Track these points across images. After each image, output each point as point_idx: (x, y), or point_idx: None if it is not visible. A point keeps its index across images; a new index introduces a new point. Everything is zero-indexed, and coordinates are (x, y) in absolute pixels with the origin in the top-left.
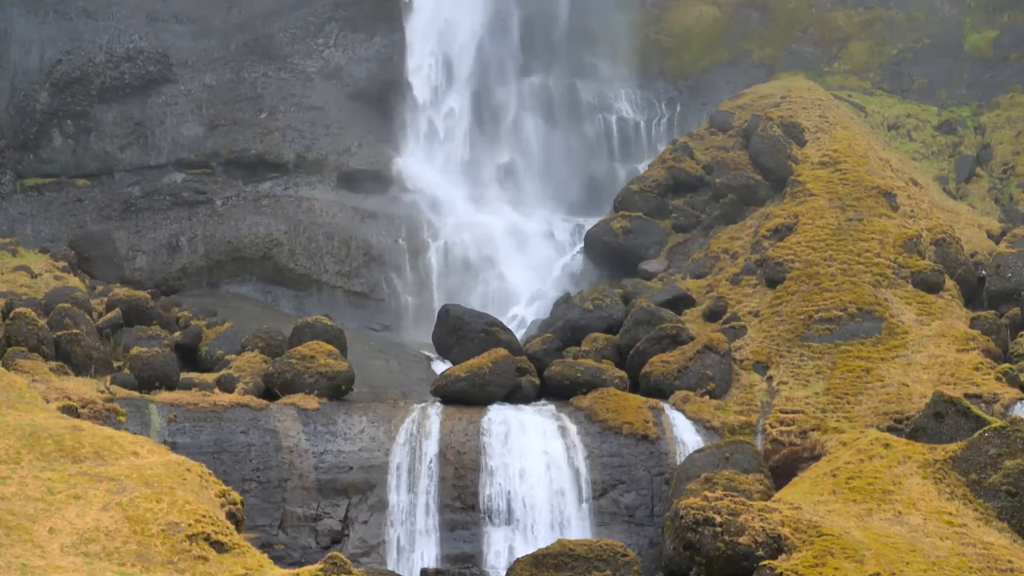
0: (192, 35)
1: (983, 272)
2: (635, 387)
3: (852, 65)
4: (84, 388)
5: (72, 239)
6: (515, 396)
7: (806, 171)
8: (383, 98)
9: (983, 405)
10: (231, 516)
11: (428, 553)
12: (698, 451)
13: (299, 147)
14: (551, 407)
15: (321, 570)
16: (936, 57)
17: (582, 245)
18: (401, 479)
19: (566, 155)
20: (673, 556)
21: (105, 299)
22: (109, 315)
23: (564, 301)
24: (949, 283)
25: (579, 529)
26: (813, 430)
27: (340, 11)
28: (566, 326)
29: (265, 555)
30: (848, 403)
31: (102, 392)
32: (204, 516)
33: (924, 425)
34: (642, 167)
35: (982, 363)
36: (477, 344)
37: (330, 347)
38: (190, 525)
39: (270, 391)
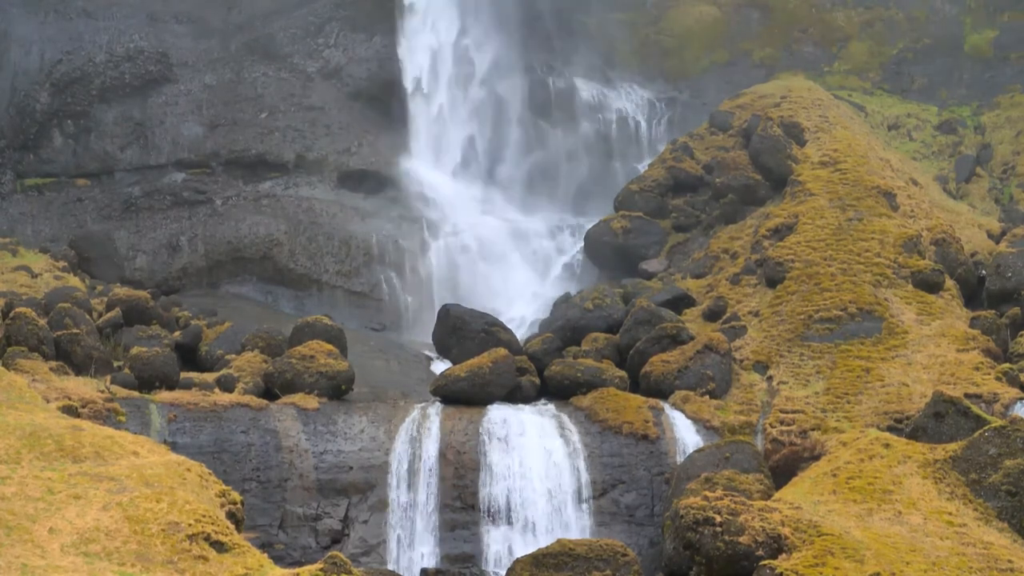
0: (192, 35)
1: (983, 272)
2: (635, 387)
3: (852, 65)
4: (84, 388)
5: (72, 239)
6: (515, 396)
7: (806, 171)
8: (383, 98)
9: (983, 405)
10: (231, 516)
11: (428, 553)
12: (698, 451)
13: (299, 147)
14: (551, 407)
15: (321, 570)
16: (936, 57)
17: (582, 245)
18: (401, 479)
19: (566, 155)
20: (673, 556)
21: (105, 299)
22: (109, 315)
23: (564, 301)
24: (949, 283)
25: (579, 529)
26: (813, 430)
27: (340, 11)
28: (566, 326)
29: (265, 555)
30: (848, 403)
31: (102, 392)
32: (204, 516)
33: (924, 425)
34: (642, 167)
35: (982, 363)
36: (477, 344)
37: (330, 347)
38: (190, 525)
39: (270, 391)
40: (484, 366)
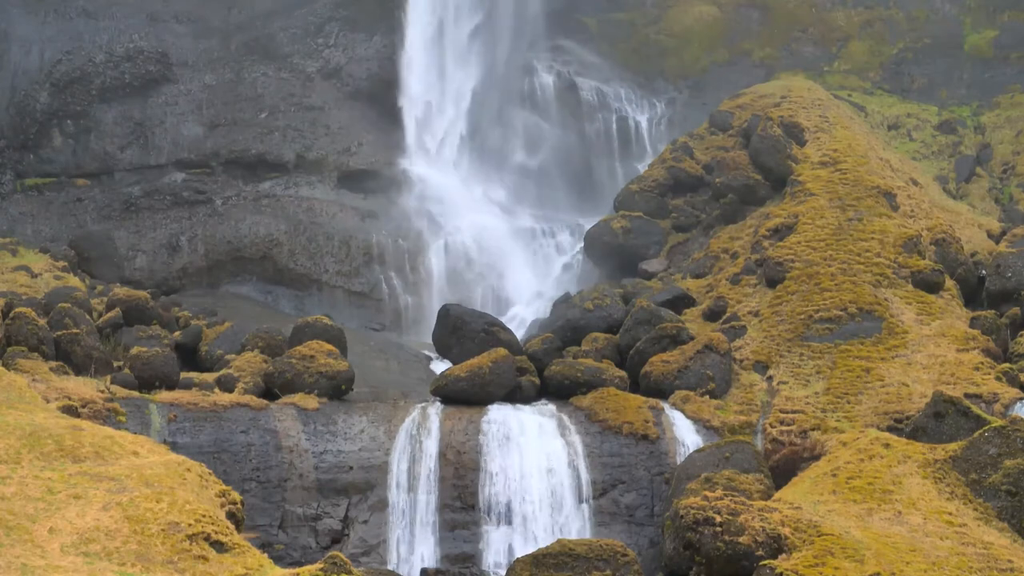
0: (192, 35)
1: (983, 272)
2: (635, 387)
3: (852, 65)
4: (84, 388)
5: (72, 239)
6: (515, 396)
7: (806, 171)
8: (383, 98)
9: (983, 405)
10: (231, 516)
11: (428, 553)
12: (698, 451)
13: (299, 147)
14: (551, 407)
15: (321, 570)
16: (936, 57)
17: (582, 245)
18: (401, 479)
19: (566, 155)
20: (673, 556)
21: (105, 299)
22: (109, 315)
23: (564, 301)
24: (949, 283)
25: (579, 529)
26: (813, 430)
27: (340, 11)
28: (566, 326)
29: (265, 555)
30: (848, 403)
31: (102, 392)
32: (204, 516)
33: (924, 425)
34: (642, 167)
35: (982, 363)
36: (477, 344)
37: (330, 347)
38: (190, 525)
39: (270, 391)
40: (484, 366)
